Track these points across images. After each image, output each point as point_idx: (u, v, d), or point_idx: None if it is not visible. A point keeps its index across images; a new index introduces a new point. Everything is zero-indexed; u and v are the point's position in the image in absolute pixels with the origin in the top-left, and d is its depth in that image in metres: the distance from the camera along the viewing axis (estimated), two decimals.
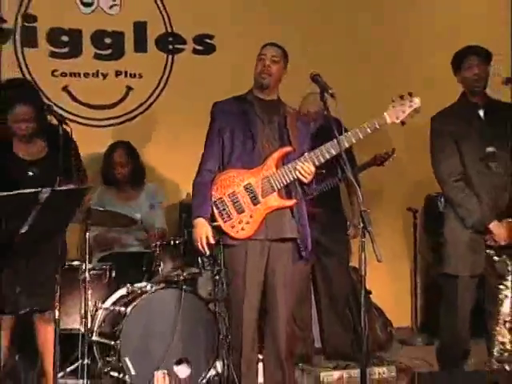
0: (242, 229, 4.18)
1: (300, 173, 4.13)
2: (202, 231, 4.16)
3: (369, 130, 4.09)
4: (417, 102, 4.17)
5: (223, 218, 4.19)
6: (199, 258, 4.88)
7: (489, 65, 4.60)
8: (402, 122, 4.20)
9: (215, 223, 4.21)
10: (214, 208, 4.15)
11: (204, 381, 4.66)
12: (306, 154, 4.22)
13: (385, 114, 4.14)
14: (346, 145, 4.06)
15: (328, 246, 5.35)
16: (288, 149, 4.18)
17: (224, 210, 4.19)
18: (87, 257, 4.68)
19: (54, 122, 4.33)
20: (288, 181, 4.13)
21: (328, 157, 4.16)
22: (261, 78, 4.22)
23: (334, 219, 5.53)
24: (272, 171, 4.16)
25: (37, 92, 4.55)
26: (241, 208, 4.16)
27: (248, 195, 4.18)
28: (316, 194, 5.12)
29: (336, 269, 5.46)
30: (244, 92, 4.37)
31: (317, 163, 4.16)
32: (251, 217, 4.18)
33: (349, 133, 4.12)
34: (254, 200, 4.18)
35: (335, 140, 4.02)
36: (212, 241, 4.22)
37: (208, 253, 4.31)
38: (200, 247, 4.22)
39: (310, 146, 4.33)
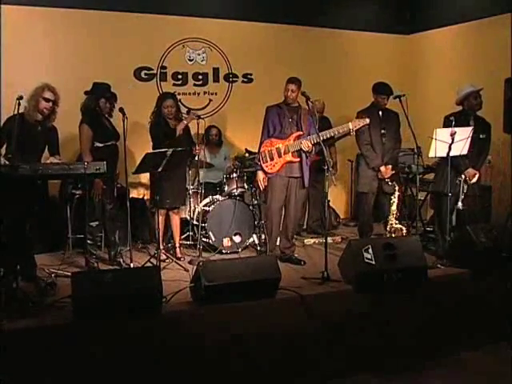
0: (271, 168, 4.87)
1: (303, 145, 4.79)
2: (260, 177, 4.93)
3: (341, 130, 4.77)
4: (367, 120, 4.82)
5: (263, 162, 4.89)
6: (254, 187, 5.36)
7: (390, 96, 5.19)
8: (357, 130, 4.81)
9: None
10: (261, 156, 4.88)
11: (247, 243, 5.48)
12: (308, 136, 4.81)
13: (349, 123, 4.78)
14: (332, 135, 4.76)
15: (317, 178, 5.70)
16: (300, 133, 4.86)
17: (265, 157, 4.88)
18: (190, 182, 5.46)
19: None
20: (297, 148, 4.84)
21: (318, 140, 4.63)
22: (289, 100, 4.85)
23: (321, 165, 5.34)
24: (290, 143, 4.85)
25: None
26: (272, 158, 4.85)
27: (277, 152, 4.85)
28: (315, 152, 5.35)
29: (319, 189, 5.87)
30: (278, 102, 4.92)
31: (313, 142, 4.80)
32: (276, 163, 4.85)
33: (332, 129, 4.81)
34: (279, 155, 4.84)
35: (324, 132, 4.72)
36: (263, 184, 4.88)
37: (262, 187, 4.91)
38: (259, 185, 4.95)
39: (314, 129, 4.71)
